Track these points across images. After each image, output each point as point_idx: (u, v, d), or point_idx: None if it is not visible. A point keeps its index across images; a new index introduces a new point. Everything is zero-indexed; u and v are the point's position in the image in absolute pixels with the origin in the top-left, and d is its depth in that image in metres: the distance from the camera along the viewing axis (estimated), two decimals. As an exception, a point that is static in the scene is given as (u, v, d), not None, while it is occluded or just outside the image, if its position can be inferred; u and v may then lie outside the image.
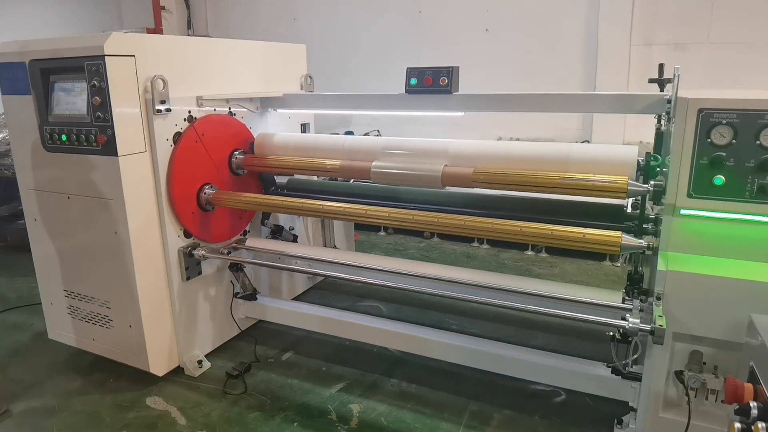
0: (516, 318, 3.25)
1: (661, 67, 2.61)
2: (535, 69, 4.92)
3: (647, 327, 1.84)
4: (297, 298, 3.62)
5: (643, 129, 4.60)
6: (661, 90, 2.63)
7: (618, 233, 2.04)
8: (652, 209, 2.36)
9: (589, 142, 4.71)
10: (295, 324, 3.00)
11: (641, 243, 1.99)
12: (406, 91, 2.64)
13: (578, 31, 4.72)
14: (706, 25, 4.34)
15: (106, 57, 2.23)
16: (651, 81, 2.64)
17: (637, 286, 2.42)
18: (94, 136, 2.37)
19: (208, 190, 2.74)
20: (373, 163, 2.57)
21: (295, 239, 3.37)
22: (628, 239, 2.02)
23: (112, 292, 2.62)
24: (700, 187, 1.91)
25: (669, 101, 1.96)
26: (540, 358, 2.50)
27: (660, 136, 2.51)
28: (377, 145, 2.70)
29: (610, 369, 2.28)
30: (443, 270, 2.62)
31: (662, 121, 2.62)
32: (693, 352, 2.05)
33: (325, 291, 3.75)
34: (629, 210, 2.42)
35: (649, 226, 2.29)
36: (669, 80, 2.60)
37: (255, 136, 3.02)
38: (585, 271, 4.12)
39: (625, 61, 4.59)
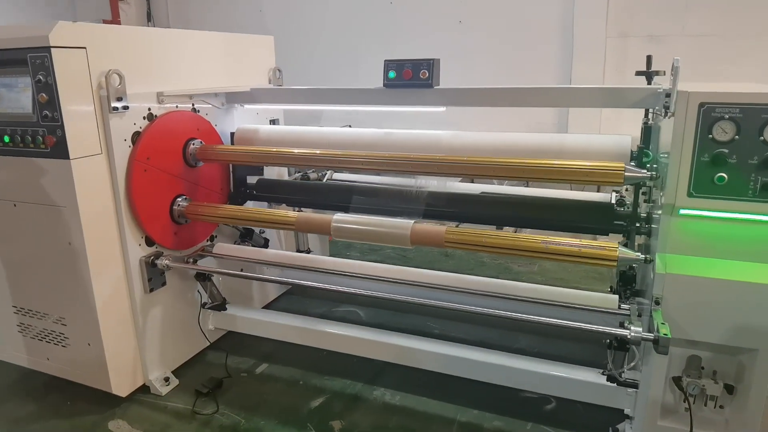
0: (498, 320, 3.13)
1: (648, 59, 2.50)
2: (510, 61, 4.81)
3: (650, 336, 1.74)
4: (270, 304, 3.44)
5: (618, 122, 4.54)
6: (649, 83, 2.53)
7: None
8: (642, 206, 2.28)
9: (566, 136, 4.64)
10: (268, 335, 2.82)
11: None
12: (384, 85, 2.48)
13: (554, 22, 4.63)
14: (682, 17, 4.30)
15: (52, 49, 2.00)
16: (638, 73, 2.53)
17: (629, 287, 2.34)
18: (42, 137, 2.14)
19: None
20: (334, 217, 2.38)
21: (266, 243, 3.18)
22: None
23: (67, 307, 2.39)
24: (701, 186, 1.81)
25: (667, 95, 1.85)
26: (529, 365, 2.39)
27: (648, 131, 2.42)
28: (364, 138, 2.58)
29: (606, 376, 2.18)
30: (425, 275, 2.48)
31: (650, 116, 2.55)
32: (691, 357, 1.96)
33: (300, 296, 3.56)
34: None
35: (641, 225, 2.21)
36: (657, 73, 2.51)
37: (234, 131, 2.88)
38: (564, 268, 4.04)
39: (601, 53, 4.52)
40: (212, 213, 2.60)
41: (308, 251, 3.65)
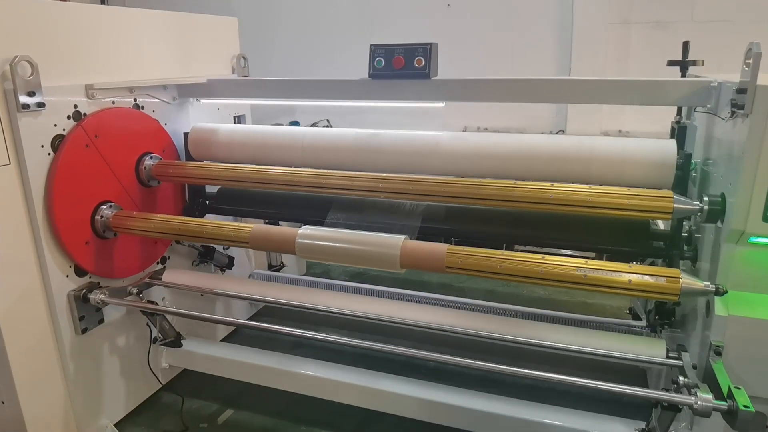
0: (500, 349, 2.72)
1: (685, 45, 2.12)
2: (502, 49, 4.38)
3: (724, 407, 1.34)
4: (235, 332, 2.96)
5: (622, 117, 4.17)
6: (683, 74, 2.14)
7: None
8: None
9: (564, 131, 4.24)
10: (233, 376, 2.35)
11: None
12: (371, 76, 2.04)
13: (551, 7, 4.21)
14: (690, 2, 3.92)
15: (-74, 26, 1.51)
16: (671, 63, 2.14)
17: (667, 321, 1.95)
18: (-77, 144, 1.64)
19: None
20: (300, 231, 1.92)
21: (230, 261, 2.71)
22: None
23: (-29, 357, 1.90)
24: (781, 209, 1.42)
25: (740, 91, 1.44)
26: (547, 416, 1.99)
27: (683, 133, 2.02)
28: (344, 141, 2.14)
29: (647, 437, 1.79)
30: (430, 311, 2.08)
31: (683, 113, 2.16)
32: (755, 414, 1.59)
33: (271, 318, 3.10)
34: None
35: (685, 248, 1.82)
36: (694, 62, 2.11)
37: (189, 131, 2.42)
38: (566, 279, 3.65)
39: (602, 40, 4.12)
40: (142, 226, 2.08)
41: (281, 266, 3.21)
